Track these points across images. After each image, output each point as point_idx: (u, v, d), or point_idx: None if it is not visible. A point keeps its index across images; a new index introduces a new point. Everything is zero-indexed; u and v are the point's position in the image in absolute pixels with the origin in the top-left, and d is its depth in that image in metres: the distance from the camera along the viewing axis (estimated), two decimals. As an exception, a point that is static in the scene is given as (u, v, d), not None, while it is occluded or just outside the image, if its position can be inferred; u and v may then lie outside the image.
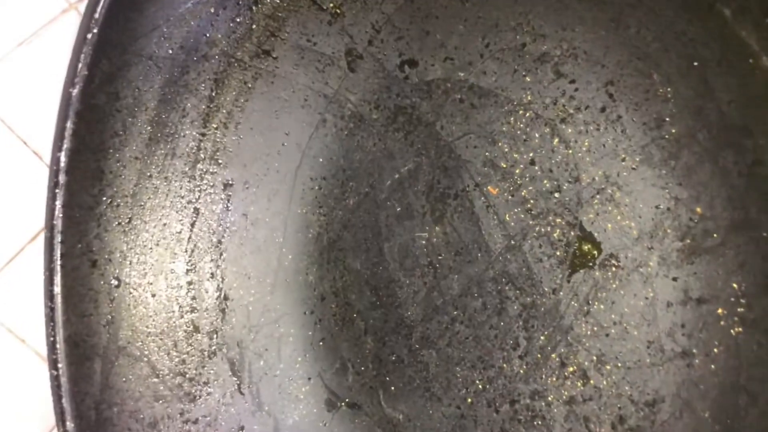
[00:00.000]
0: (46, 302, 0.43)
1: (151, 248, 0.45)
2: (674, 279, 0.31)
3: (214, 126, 0.45)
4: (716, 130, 0.29)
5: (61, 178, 0.42)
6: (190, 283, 0.45)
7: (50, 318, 0.43)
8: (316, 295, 0.46)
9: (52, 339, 0.43)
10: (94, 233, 0.44)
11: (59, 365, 0.42)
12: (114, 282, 0.44)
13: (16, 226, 0.65)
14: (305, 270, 0.46)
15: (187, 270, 0.45)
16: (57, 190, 0.43)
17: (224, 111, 0.45)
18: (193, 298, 0.46)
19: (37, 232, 0.66)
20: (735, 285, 0.29)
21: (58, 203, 0.43)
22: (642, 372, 0.32)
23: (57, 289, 0.43)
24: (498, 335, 0.37)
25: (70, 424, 0.41)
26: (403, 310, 0.42)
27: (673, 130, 0.31)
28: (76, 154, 0.42)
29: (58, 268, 0.42)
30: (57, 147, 0.43)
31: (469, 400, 0.38)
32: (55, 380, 0.43)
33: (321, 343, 0.45)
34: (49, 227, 0.43)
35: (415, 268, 0.41)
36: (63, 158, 0.42)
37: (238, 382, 0.45)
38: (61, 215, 0.43)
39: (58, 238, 0.43)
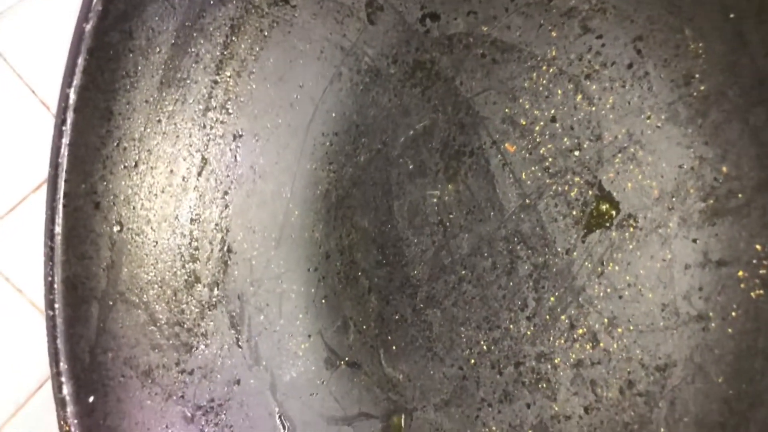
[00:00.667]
0: (46, 241, 0.42)
1: (156, 194, 0.44)
2: (694, 240, 0.30)
3: (227, 74, 0.44)
4: (749, 86, 0.28)
5: (69, 115, 0.41)
6: (193, 232, 0.45)
7: (49, 258, 0.42)
8: (321, 252, 0.45)
9: (50, 279, 0.42)
10: (99, 175, 0.43)
11: (56, 306, 0.41)
12: (116, 227, 0.43)
13: (20, 174, 0.64)
14: (311, 227, 0.45)
15: (192, 219, 0.45)
16: (64, 128, 0.42)
17: (238, 59, 0.44)
18: (196, 248, 0.45)
19: (41, 182, 0.65)
20: (758, 246, 0.28)
21: (65, 141, 0.42)
22: (655, 336, 0.31)
23: (58, 228, 0.42)
24: (506, 296, 0.36)
25: (63, 365, 0.41)
26: (410, 269, 0.41)
27: (702, 87, 0.30)
28: (86, 91, 0.41)
29: (61, 207, 0.42)
30: (66, 83, 0.42)
31: (472, 360, 0.37)
32: (50, 321, 0.42)
33: (323, 301, 0.44)
34: (54, 165, 0.42)
35: (425, 226, 0.40)
36: (72, 95, 0.41)
37: (236, 335, 0.44)
38: (66, 153, 0.42)
39: (63, 176, 0.42)
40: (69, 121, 0.41)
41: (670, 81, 0.31)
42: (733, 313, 0.29)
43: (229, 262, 0.45)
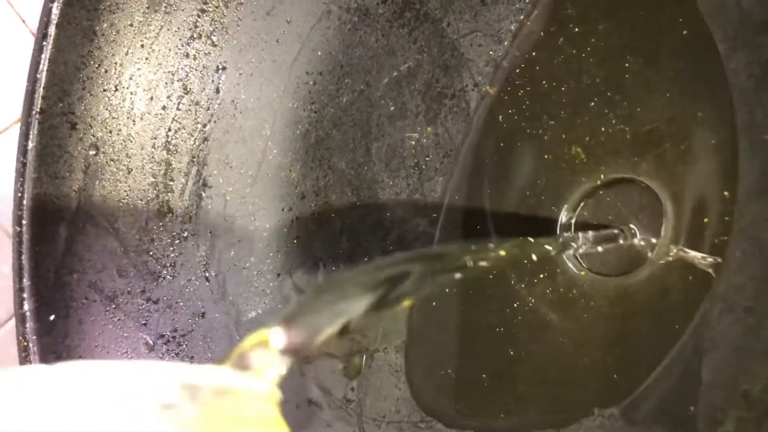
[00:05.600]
0: (18, 157, 0.42)
1: (134, 120, 0.43)
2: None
3: (215, 4, 0.44)
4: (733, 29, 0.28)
5: (51, 30, 0.41)
6: (169, 163, 0.44)
7: (21, 174, 0.42)
8: (296, 192, 0.45)
9: (19, 195, 0.42)
10: (77, 95, 0.42)
11: (23, 222, 0.41)
12: (92, 150, 0.43)
13: (6, 105, 0.63)
14: (289, 166, 0.45)
15: (168, 149, 0.44)
16: (44, 43, 0.41)
17: (227, -11, 0.43)
18: (171, 179, 0.44)
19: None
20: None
21: (44, 56, 0.41)
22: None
23: (31, 144, 0.41)
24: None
25: (26, 282, 0.40)
26: (383, 211, 0.40)
27: (685, 32, 0.29)
28: (69, 7, 0.41)
29: (36, 122, 0.41)
30: (50, -1, 0.41)
31: (434, 303, 0.37)
32: (17, 237, 0.41)
33: (295, 241, 0.44)
34: (32, 80, 0.41)
35: (401, 169, 0.40)
36: (55, 10, 0.41)
37: (205, 269, 0.44)
38: (45, 69, 0.41)
39: (40, 92, 0.41)
40: (50, 36, 0.41)
41: (653, 25, 0.31)
42: (696, 261, 0.29)
43: (203, 195, 0.45)
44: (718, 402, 0.25)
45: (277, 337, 0.18)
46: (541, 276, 0.33)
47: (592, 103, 0.32)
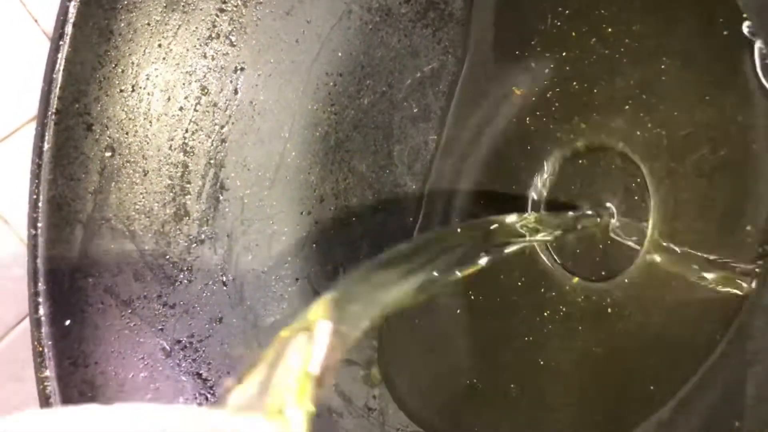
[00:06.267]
0: (33, 158, 0.41)
1: (151, 122, 0.43)
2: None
3: (234, 3, 0.43)
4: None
5: (68, 29, 0.40)
6: (186, 165, 0.43)
7: (36, 175, 0.41)
8: (315, 195, 0.44)
9: (35, 197, 0.41)
10: (94, 96, 0.41)
11: (39, 225, 0.40)
12: (108, 151, 0.42)
13: (17, 105, 0.63)
14: (308, 169, 0.44)
15: (186, 151, 0.43)
16: (61, 42, 0.40)
17: (246, -12, 0.42)
18: (188, 181, 0.43)
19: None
20: None
21: (61, 56, 0.40)
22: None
23: (47, 145, 0.40)
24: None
25: (41, 286, 0.39)
26: (405, 215, 0.39)
27: (726, 32, 0.28)
28: (86, 7, 0.40)
29: (52, 123, 0.40)
30: (67, -3, 0.40)
31: (458, 310, 0.36)
32: (32, 240, 0.40)
33: (314, 245, 0.43)
34: (48, 80, 0.41)
35: (424, 172, 0.39)
36: (72, 9, 0.40)
37: (222, 273, 0.43)
38: (61, 69, 0.40)
39: (56, 92, 0.40)
40: (67, 35, 0.40)
41: (691, 26, 0.30)
42: (737, 269, 0.28)
43: (220, 198, 0.44)
44: (765, 416, 0.24)
45: (322, 325, 0.17)
46: (575, 281, 0.32)
47: (627, 106, 0.31)
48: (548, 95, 0.34)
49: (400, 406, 0.37)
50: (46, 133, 0.40)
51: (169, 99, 0.43)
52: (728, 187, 0.29)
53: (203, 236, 0.43)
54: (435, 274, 0.24)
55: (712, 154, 0.29)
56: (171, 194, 0.43)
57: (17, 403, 0.62)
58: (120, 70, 0.42)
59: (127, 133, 0.42)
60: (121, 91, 0.42)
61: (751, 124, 0.28)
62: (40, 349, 0.39)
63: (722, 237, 0.29)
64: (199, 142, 0.44)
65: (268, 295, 0.43)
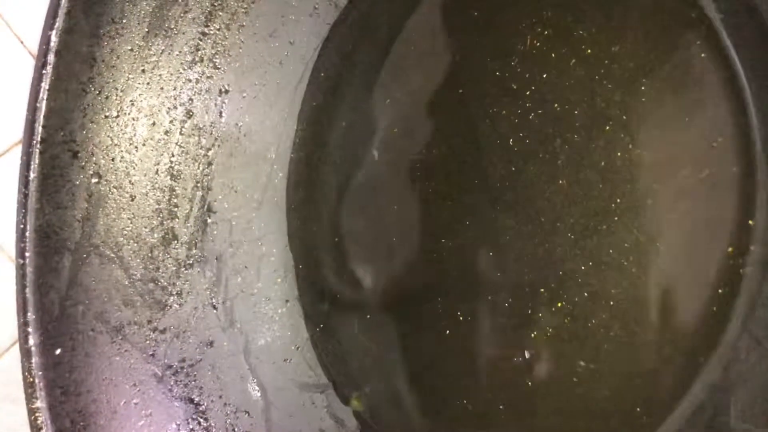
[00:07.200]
0: (20, 188, 0.41)
1: (137, 147, 0.43)
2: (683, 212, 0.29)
3: (216, 27, 0.43)
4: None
5: (50, 58, 0.40)
6: (173, 189, 0.43)
7: (23, 205, 0.41)
8: (303, 216, 0.44)
9: (22, 227, 0.41)
10: (78, 123, 0.41)
11: (26, 254, 0.40)
12: (95, 178, 0.42)
13: (5, 127, 0.63)
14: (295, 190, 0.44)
15: (172, 175, 0.43)
16: (44, 71, 0.40)
17: (228, 11, 0.42)
18: (175, 205, 0.43)
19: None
20: (750, 222, 0.27)
21: (44, 85, 0.40)
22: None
23: (33, 174, 0.40)
24: (488, 266, 0.35)
25: (30, 315, 0.39)
26: (390, 236, 0.40)
27: (703, 55, 0.28)
28: (68, 35, 0.40)
29: (37, 152, 0.40)
30: (48, 26, 0.40)
31: (448, 332, 0.36)
32: (20, 269, 0.40)
33: (301, 267, 0.43)
34: (32, 109, 0.41)
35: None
36: (54, 38, 0.40)
37: (212, 296, 0.43)
38: (45, 98, 0.40)
39: (40, 121, 0.40)
40: (49, 64, 0.40)
41: (669, 47, 0.30)
42: (720, 290, 0.28)
43: (208, 221, 0.44)
44: (748, 441, 0.24)
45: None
46: (559, 304, 0.32)
47: (608, 127, 0.31)
48: (530, 117, 0.34)
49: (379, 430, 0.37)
50: (32, 162, 0.40)
51: (154, 124, 0.43)
52: (710, 208, 0.29)
53: (192, 260, 0.44)
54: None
55: (693, 175, 0.29)
56: (159, 219, 0.43)
57: (13, 426, 0.62)
58: (104, 97, 0.42)
59: (113, 159, 0.42)
60: (106, 117, 0.42)
61: (729, 145, 0.28)
62: (31, 379, 0.39)
63: (704, 258, 0.29)
64: (186, 166, 0.44)
65: (259, 317, 0.43)
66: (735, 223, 0.28)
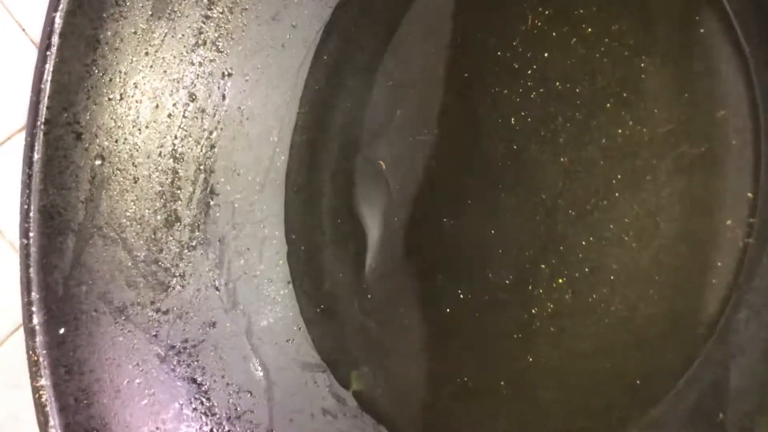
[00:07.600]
0: (24, 169, 0.41)
1: (140, 129, 0.43)
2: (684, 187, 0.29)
3: (219, 10, 0.43)
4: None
5: (54, 39, 0.40)
6: (176, 171, 0.44)
7: (27, 185, 0.41)
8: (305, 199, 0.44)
9: (26, 207, 0.41)
10: (82, 105, 0.42)
11: (30, 234, 0.40)
12: (98, 160, 0.42)
13: (7, 114, 0.63)
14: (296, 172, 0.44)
15: (175, 158, 0.44)
16: (48, 53, 0.40)
17: (231, -6, 0.43)
18: (178, 187, 0.44)
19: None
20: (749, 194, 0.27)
21: (48, 66, 0.40)
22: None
23: (36, 155, 0.41)
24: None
25: (35, 295, 0.40)
26: (391, 215, 0.40)
27: (702, 30, 0.29)
28: (72, 17, 0.40)
29: (41, 134, 0.40)
30: (53, 7, 0.41)
31: (448, 310, 0.36)
32: (24, 250, 0.41)
33: (303, 248, 0.44)
34: (36, 91, 0.41)
35: (411, 174, 0.39)
36: (58, 20, 0.40)
37: (215, 278, 0.44)
38: (49, 80, 0.41)
39: (44, 102, 0.40)
40: (54, 46, 0.40)
41: (669, 24, 0.30)
42: (719, 263, 0.28)
43: (211, 204, 0.44)
44: (747, 408, 0.24)
45: None
46: (560, 280, 0.33)
47: (608, 105, 0.32)
48: (531, 95, 0.34)
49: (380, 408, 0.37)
50: (36, 144, 0.41)
51: (157, 106, 0.43)
52: (709, 182, 0.29)
53: (195, 242, 0.44)
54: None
55: (692, 149, 0.29)
56: (162, 201, 0.43)
57: (15, 411, 0.62)
58: (108, 79, 0.42)
59: (116, 141, 0.42)
60: (110, 99, 0.42)
61: (730, 119, 0.28)
62: (35, 358, 0.39)
63: (704, 232, 0.29)
64: (189, 149, 0.44)
65: (261, 298, 0.43)
66: (733, 196, 0.28)
